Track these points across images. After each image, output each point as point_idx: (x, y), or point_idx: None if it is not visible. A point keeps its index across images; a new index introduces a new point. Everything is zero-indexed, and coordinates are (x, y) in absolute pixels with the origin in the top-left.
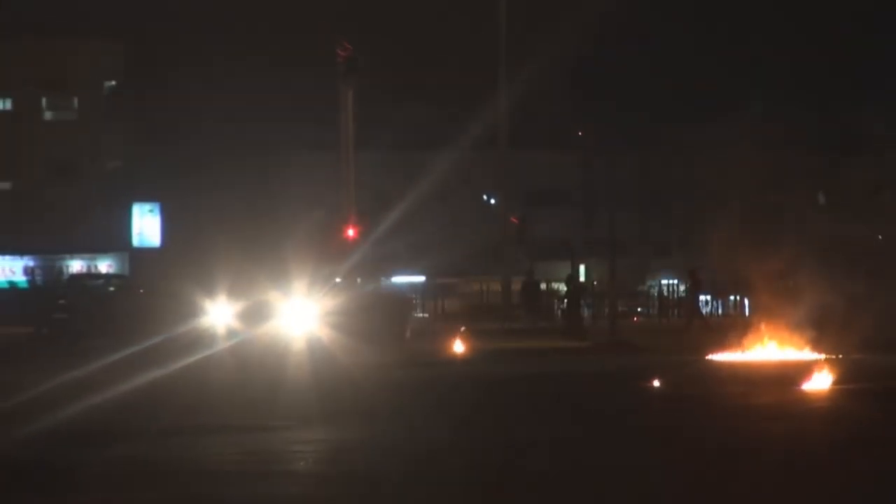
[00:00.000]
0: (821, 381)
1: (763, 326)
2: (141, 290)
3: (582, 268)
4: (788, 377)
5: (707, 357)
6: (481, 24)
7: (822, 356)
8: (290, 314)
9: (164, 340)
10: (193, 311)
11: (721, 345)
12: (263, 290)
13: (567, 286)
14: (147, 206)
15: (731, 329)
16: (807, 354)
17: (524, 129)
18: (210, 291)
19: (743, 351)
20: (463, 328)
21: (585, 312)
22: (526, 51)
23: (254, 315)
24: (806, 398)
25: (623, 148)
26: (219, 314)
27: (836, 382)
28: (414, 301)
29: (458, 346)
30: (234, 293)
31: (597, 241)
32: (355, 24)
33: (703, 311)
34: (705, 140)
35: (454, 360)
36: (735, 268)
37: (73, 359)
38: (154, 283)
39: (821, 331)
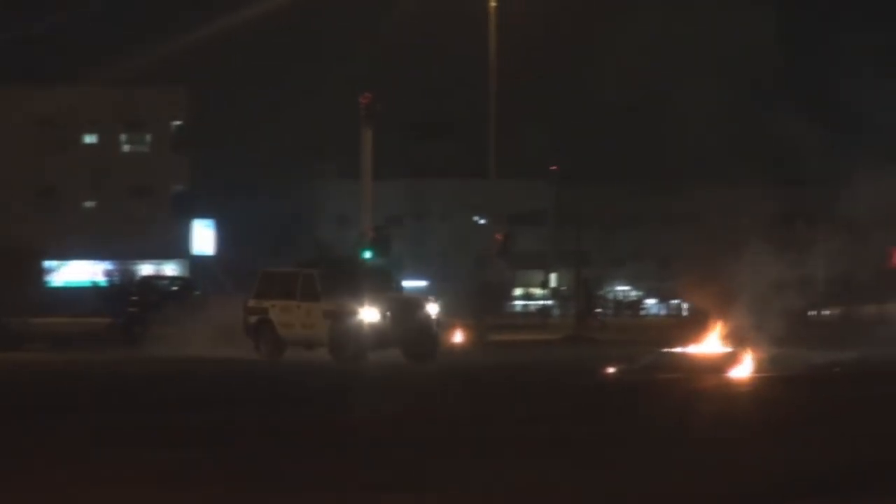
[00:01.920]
0: (742, 370)
1: (699, 325)
2: (196, 292)
3: (553, 276)
4: (716, 366)
5: (662, 349)
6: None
7: (743, 349)
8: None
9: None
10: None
11: (664, 340)
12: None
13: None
14: (204, 222)
15: (672, 328)
16: (730, 348)
17: (509, 161)
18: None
19: (683, 345)
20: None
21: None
22: (516, 93)
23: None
24: (729, 383)
25: (586, 176)
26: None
27: (754, 371)
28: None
29: (455, 339)
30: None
31: (565, 254)
32: (373, 68)
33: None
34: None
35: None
36: (676, 278)
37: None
38: (207, 285)
39: (742, 329)
